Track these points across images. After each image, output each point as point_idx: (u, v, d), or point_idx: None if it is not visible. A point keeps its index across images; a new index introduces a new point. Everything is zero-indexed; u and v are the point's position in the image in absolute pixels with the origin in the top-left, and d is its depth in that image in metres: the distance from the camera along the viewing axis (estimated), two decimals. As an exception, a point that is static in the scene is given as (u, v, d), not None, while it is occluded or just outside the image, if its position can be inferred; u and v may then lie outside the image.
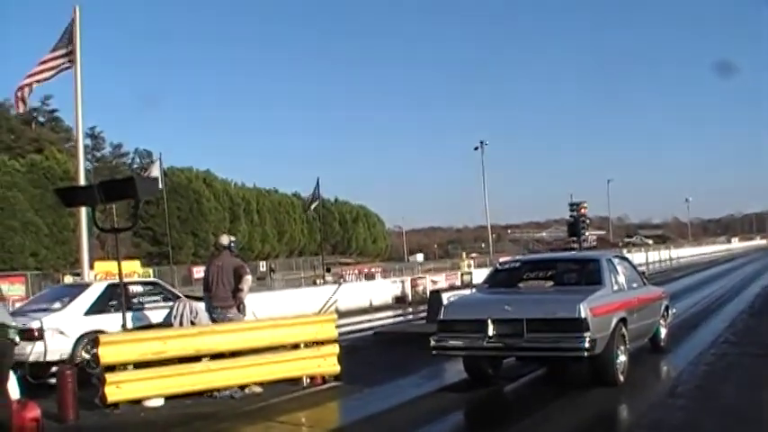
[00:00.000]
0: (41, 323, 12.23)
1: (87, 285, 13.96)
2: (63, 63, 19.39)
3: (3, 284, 33.54)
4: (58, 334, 12.25)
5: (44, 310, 13.05)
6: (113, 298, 13.17)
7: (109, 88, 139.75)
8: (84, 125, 21.64)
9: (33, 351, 12.01)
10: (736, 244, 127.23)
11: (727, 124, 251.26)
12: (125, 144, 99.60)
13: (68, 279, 43.97)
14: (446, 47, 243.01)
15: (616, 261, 12.03)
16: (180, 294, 14.01)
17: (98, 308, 13.01)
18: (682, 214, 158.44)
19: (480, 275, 34.31)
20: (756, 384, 10.27)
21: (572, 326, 9.59)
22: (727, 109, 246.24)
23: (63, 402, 9.64)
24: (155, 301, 13.69)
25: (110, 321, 12.53)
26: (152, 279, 17.56)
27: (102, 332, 11.58)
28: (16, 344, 8.33)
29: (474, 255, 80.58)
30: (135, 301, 13.62)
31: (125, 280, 13.23)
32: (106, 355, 10.04)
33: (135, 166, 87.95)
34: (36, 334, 12.06)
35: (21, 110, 21.30)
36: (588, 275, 11.21)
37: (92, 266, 26.15)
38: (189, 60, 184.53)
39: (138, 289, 14.12)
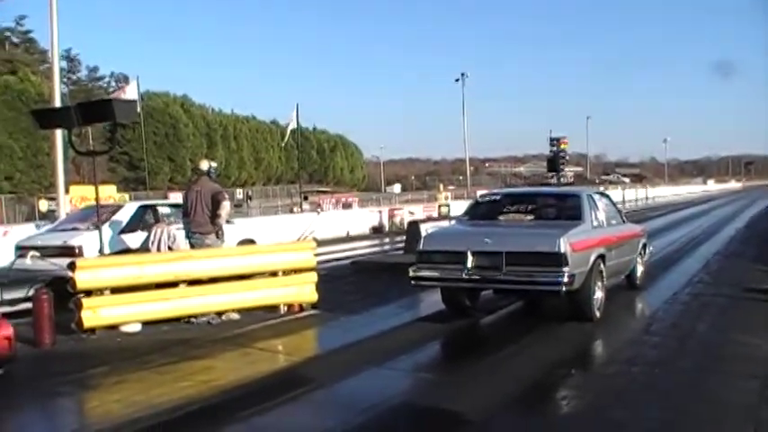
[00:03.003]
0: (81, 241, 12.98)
1: (120, 206, 14.92)
2: None
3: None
4: (97, 251, 12.50)
5: (78, 229, 13.65)
6: (145, 218, 14.02)
7: (86, 9, 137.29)
8: (59, 47, 21.29)
9: None
10: (712, 186, 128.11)
11: (709, 68, 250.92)
12: (101, 67, 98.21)
13: (44, 203, 43.75)
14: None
15: (596, 197, 12.00)
16: None
17: (131, 227, 13.60)
18: (659, 154, 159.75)
19: (457, 208, 34.33)
20: (729, 324, 10.36)
21: (551, 260, 9.60)
22: (710, 53, 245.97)
23: (39, 326, 9.59)
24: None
25: (142, 239, 13.08)
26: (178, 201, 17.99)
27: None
28: None
29: (451, 187, 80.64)
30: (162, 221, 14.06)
31: (157, 201, 14.86)
32: (83, 279, 9.97)
33: (111, 89, 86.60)
34: (76, 251, 12.59)
35: None
36: (568, 211, 11.17)
37: (67, 190, 26.01)
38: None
39: (166, 210, 14.77)
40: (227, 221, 13.26)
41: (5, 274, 12.15)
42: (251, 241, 15.22)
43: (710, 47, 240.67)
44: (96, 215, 13.84)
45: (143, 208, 14.51)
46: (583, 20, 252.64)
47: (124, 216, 13.91)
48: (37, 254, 12.96)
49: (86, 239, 13.03)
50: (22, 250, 13.74)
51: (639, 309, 12.24)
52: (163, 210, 14.74)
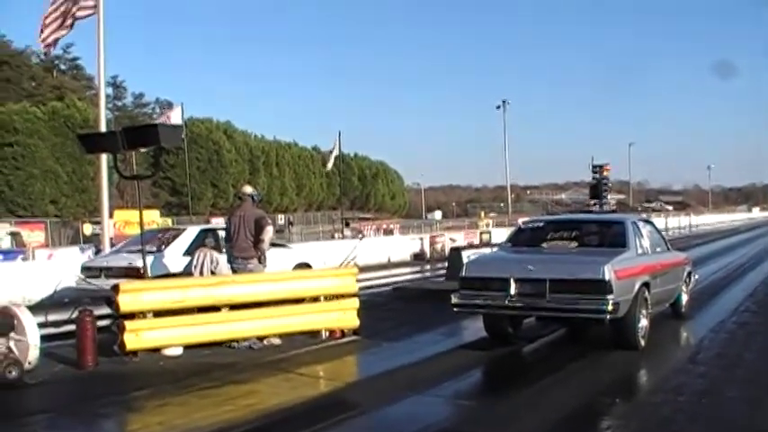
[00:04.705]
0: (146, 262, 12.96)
1: (183, 229, 15.43)
2: (82, 12, 19.26)
3: (23, 231, 33.99)
4: (161, 271, 13.08)
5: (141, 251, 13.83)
6: (205, 242, 14.01)
7: (131, 38, 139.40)
8: (106, 74, 21.60)
9: None
10: (757, 213, 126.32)
11: (752, 94, 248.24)
12: (146, 94, 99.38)
13: (88, 227, 44.27)
14: (470, 7, 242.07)
15: (641, 224, 11.90)
16: None
17: (193, 249, 13.63)
18: (703, 181, 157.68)
19: (499, 235, 34.19)
20: (779, 354, 10.18)
21: (595, 288, 9.51)
22: (753, 77, 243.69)
23: (82, 348, 9.67)
24: None
25: None
26: None
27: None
28: None
29: (492, 214, 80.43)
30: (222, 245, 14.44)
31: (218, 226, 15.21)
32: (126, 302, 10.01)
33: (156, 116, 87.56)
34: (142, 272, 12.58)
35: (49, 53, 20.59)
36: (613, 238, 11.08)
37: (111, 215, 26.32)
38: (209, 13, 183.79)
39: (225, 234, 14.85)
40: (284, 246, 13.40)
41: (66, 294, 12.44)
42: (307, 265, 15.48)
43: (756, 72, 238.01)
44: (157, 238, 14.58)
45: (204, 232, 14.85)
46: (624, 48, 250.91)
47: (186, 239, 14.35)
48: (82, 276, 13.19)
49: (151, 261, 13.31)
50: (87, 271, 14.28)
51: (685, 337, 12.08)
52: (223, 234, 14.91)
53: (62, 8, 19.05)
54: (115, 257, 14.70)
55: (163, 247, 14.29)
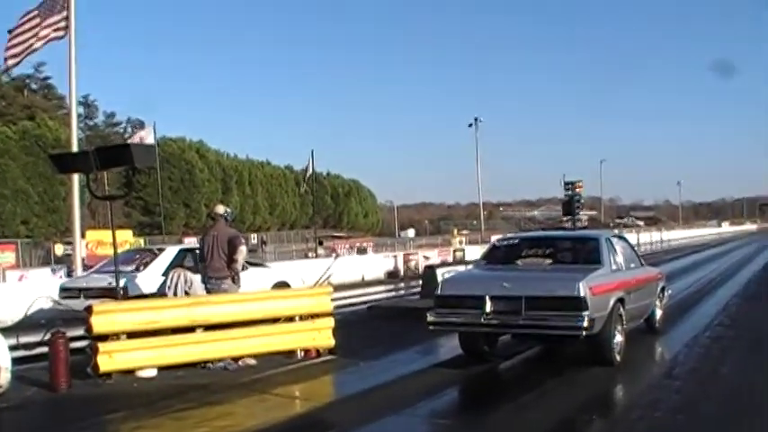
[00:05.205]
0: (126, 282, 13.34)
1: (162, 249, 15.65)
2: (54, 33, 19.15)
3: (-6, 252, 33.68)
4: (140, 291, 13.39)
5: (121, 271, 13.71)
6: (185, 261, 14.38)
7: (102, 57, 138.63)
8: (77, 93, 21.48)
9: None
10: (727, 228, 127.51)
11: (721, 110, 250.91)
12: (118, 113, 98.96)
13: (60, 247, 43.95)
14: (441, 26, 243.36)
15: (615, 240, 11.96)
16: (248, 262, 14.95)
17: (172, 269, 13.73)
18: (673, 197, 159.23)
19: (472, 252, 34.25)
20: (752, 369, 10.21)
21: (571, 304, 9.52)
22: (722, 95, 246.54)
23: (55, 371, 9.56)
24: None
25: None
26: None
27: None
28: None
29: (465, 231, 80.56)
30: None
31: (196, 246, 14.59)
32: (99, 324, 9.91)
33: (127, 135, 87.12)
34: (121, 292, 12.74)
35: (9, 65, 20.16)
36: (587, 254, 11.11)
37: (83, 235, 26.13)
38: (181, 31, 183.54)
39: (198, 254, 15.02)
40: (262, 265, 13.41)
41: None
42: (285, 284, 15.75)
43: (725, 89, 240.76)
44: (136, 258, 14.84)
45: (183, 251, 15.16)
46: (593, 66, 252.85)
47: (165, 259, 14.58)
48: (56, 297, 13.13)
49: (130, 281, 13.52)
50: (66, 291, 14.48)
51: (660, 352, 12.12)
52: None
53: (32, 29, 18.93)
54: (94, 278, 14.81)
55: (141, 267, 14.39)
